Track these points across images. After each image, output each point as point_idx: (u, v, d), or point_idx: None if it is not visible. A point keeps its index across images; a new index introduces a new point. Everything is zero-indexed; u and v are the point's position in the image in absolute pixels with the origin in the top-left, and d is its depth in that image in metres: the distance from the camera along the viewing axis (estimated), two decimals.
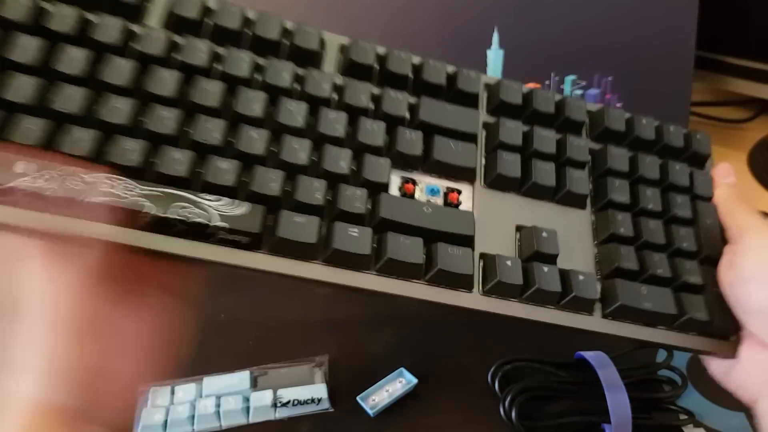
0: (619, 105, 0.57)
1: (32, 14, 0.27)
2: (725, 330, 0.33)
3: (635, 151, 0.37)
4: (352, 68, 0.33)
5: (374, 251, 0.29)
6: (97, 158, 0.26)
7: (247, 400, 0.39)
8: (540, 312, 0.31)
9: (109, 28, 0.29)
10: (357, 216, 0.29)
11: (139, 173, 0.26)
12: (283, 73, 0.31)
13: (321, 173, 0.29)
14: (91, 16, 0.29)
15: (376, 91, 0.33)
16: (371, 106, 0.32)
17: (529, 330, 0.31)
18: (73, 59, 0.27)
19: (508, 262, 0.30)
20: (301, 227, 0.28)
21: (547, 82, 0.58)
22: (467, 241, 0.31)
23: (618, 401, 0.39)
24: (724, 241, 0.35)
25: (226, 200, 0.27)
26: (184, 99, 0.29)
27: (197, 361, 0.39)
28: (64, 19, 0.28)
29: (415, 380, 0.41)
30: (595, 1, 0.57)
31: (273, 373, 0.41)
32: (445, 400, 0.41)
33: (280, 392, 0.39)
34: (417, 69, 0.35)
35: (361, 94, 0.32)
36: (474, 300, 0.30)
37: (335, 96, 0.32)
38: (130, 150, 0.27)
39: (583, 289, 0.31)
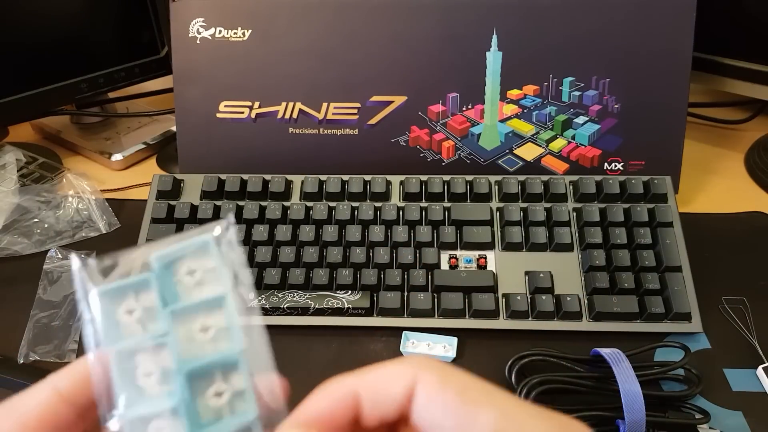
0: (617, 106, 0.59)
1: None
2: (683, 315, 0.49)
3: (606, 204, 0.54)
4: (408, 196, 0.55)
5: (435, 305, 0.50)
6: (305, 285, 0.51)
7: None
8: (545, 324, 0.50)
9: (274, 209, 0.54)
10: (421, 287, 0.51)
11: (305, 287, 0.51)
12: (368, 211, 0.54)
13: (398, 266, 0.52)
14: (273, 203, 0.55)
15: (424, 205, 0.55)
16: (423, 216, 0.54)
17: (543, 340, 0.50)
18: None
19: (518, 297, 0.50)
20: (391, 299, 0.50)
21: (545, 84, 0.59)
22: (491, 288, 0.51)
23: (632, 398, 0.40)
24: (680, 255, 0.51)
25: (349, 292, 0.51)
26: (318, 240, 0.53)
27: None
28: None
29: (453, 355, 0.48)
30: (593, 3, 0.58)
31: None
32: None
33: None
34: (447, 183, 0.56)
35: (414, 211, 0.54)
36: (500, 323, 0.50)
37: (400, 214, 0.55)
38: (298, 275, 0.51)
39: (570, 306, 0.49)
